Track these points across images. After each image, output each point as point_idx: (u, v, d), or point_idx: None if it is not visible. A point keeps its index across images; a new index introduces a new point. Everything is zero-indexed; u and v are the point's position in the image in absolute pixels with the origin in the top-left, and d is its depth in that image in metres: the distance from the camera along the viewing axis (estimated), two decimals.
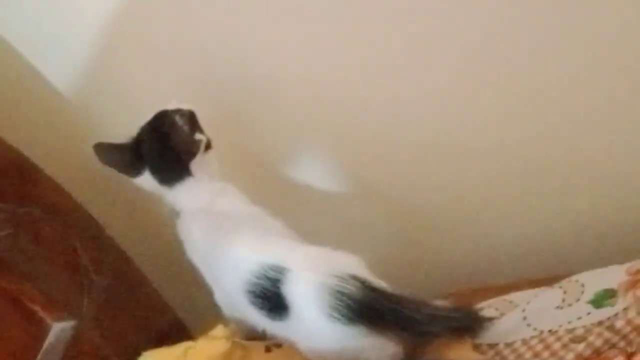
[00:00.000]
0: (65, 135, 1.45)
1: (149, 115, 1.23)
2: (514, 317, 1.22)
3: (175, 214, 1.23)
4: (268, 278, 1.08)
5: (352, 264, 1.08)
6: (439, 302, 1.12)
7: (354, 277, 1.04)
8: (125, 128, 1.30)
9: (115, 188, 1.50)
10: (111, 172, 1.31)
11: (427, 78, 1.35)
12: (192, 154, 1.20)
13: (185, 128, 1.18)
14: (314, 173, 1.51)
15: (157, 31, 1.34)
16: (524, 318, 1.20)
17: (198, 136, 1.20)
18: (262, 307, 1.11)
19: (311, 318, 1.06)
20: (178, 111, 1.20)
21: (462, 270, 1.57)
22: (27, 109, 1.42)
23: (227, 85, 1.39)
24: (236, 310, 1.20)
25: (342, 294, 1.02)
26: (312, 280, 1.05)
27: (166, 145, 1.19)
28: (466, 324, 1.11)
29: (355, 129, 1.43)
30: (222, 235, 1.17)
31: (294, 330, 1.11)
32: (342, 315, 1.02)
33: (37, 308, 1.24)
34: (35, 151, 1.33)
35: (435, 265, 1.60)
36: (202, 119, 1.25)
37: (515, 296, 1.28)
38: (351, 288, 1.02)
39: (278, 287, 1.07)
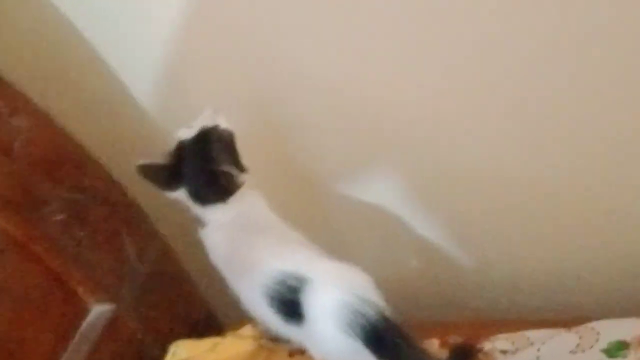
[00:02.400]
0: (118, 125, 1.52)
1: (191, 124, 1.25)
2: (529, 354, 1.26)
3: (200, 223, 1.27)
4: (288, 285, 1.13)
5: (367, 284, 1.13)
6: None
7: (373, 302, 1.09)
8: (178, 124, 1.37)
9: None
10: None
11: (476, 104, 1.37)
12: (233, 192, 1.23)
13: (230, 169, 1.22)
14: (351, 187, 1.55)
15: (220, 40, 1.39)
16: (538, 358, 1.24)
17: (236, 172, 1.23)
18: (278, 312, 1.16)
19: (326, 328, 1.10)
20: (218, 133, 1.23)
21: (478, 302, 1.60)
22: (85, 99, 1.48)
23: (281, 95, 1.43)
24: (255, 312, 1.24)
25: (361, 314, 1.07)
26: (334, 295, 1.10)
27: (208, 173, 1.22)
28: None
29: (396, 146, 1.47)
30: (244, 241, 1.23)
31: (307, 337, 1.17)
32: (355, 333, 1.06)
33: (80, 289, 1.32)
34: (89, 140, 1.39)
35: (455, 293, 1.63)
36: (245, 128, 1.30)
37: (533, 333, 1.30)
38: (370, 312, 1.07)
39: (297, 295, 1.12)
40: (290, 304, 1.14)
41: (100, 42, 1.42)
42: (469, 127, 1.39)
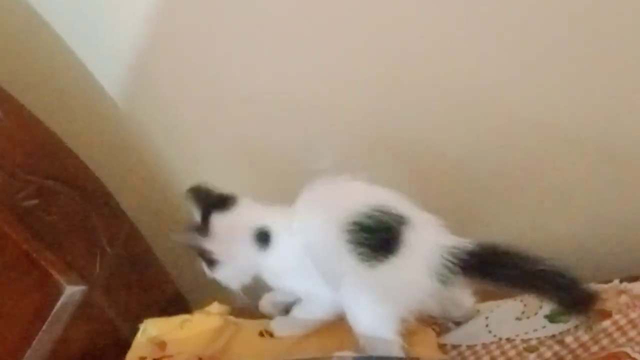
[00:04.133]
0: (92, 116, 1.58)
1: None
2: (478, 322, 1.34)
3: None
4: (388, 215, 1.12)
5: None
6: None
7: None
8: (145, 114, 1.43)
9: (133, 169, 1.64)
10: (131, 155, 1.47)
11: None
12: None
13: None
14: None
15: (188, 36, 1.45)
16: (486, 325, 1.33)
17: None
18: (364, 243, 1.11)
19: (416, 268, 1.11)
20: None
21: None
22: (59, 89, 1.53)
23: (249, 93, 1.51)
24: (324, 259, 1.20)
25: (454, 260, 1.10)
26: (437, 242, 1.12)
27: None
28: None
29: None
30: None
31: (380, 276, 1.12)
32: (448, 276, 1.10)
33: (53, 272, 1.37)
34: (63, 129, 1.44)
35: None
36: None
37: (481, 305, 1.38)
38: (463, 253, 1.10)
39: (396, 228, 1.11)
40: (384, 235, 1.12)
41: (70, 32, 1.47)
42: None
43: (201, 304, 1.47)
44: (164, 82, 1.53)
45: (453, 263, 1.10)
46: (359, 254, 1.12)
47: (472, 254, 1.10)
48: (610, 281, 1.33)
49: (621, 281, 1.32)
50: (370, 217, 1.11)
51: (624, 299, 1.27)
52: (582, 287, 1.10)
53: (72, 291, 1.40)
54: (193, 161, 1.66)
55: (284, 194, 1.37)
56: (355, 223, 1.12)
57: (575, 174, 1.51)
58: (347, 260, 1.13)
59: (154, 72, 1.51)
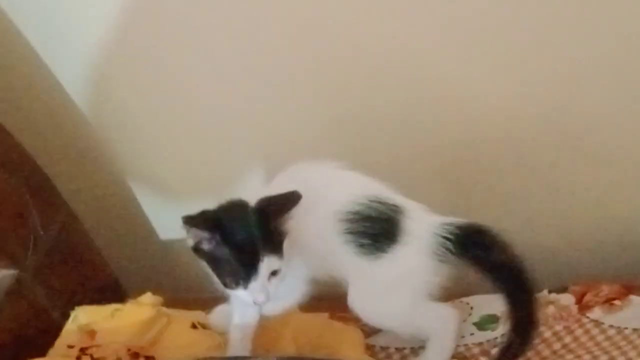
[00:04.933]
0: (30, 95, 1.57)
1: None
2: None
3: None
4: (385, 205, 1.13)
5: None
6: None
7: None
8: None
9: (72, 152, 1.62)
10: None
11: None
12: None
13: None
14: None
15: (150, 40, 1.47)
16: None
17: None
18: (366, 234, 1.13)
19: (417, 253, 1.14)
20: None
21: None
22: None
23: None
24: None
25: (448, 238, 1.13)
26: (430, 222, 1.15)
27: None
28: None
29: None
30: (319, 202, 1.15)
31: (381, 265, 1.14)
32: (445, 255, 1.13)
33: None
34: (4, 113, 1.43)
35: None
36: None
37: None
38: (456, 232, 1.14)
39: (394, 218, 1.14)
40: (382, 226, 1.14)
41: (29, 26, 1.49)
42: None
43: (139, 292, 1.44)
44: (110, 65, 1.52)
45: (447, 239, 1.13)
46: (361, 245, 1.13)
47: (462, 229, 1.14)
48: (539, 291, 1.33)
49: (550, 292, 1.33)
50: (368, 206, 1.13)
51: (551, 310, 1.28)
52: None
53: (2, 275, 1.37)
54: (138, 150, 1.65)
55: None
56: (354, 212, 1.13)
57: (514, 181, 1.51)
58: (346, 254, 1.14)
59: (99, 57, 1.50)
